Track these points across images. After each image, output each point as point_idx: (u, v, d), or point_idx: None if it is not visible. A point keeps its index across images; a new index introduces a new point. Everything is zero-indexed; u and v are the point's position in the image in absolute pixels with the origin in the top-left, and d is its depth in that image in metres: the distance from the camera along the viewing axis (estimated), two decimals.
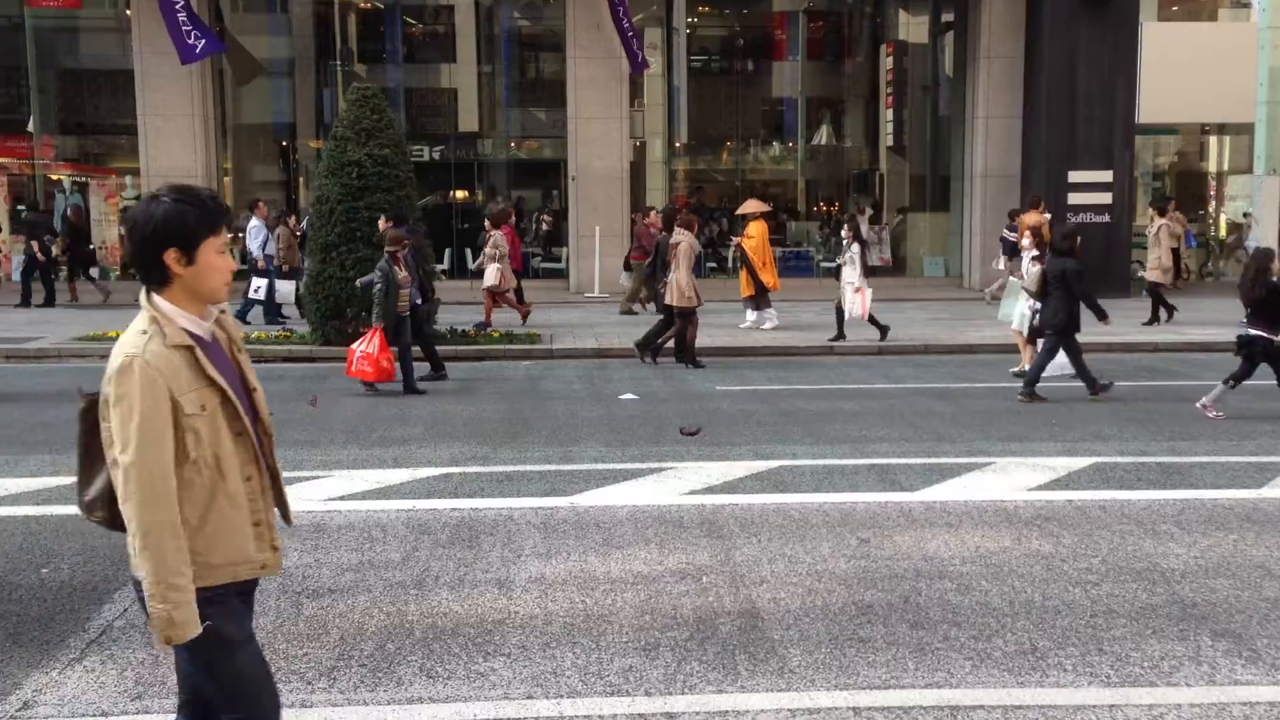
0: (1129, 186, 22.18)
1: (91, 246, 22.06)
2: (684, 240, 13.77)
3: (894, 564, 6.14)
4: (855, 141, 28.91)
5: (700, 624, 5.28)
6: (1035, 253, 13.14)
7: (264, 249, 18.30)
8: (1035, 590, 5.72)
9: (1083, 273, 11.27)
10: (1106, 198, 21.19)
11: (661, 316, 14.57)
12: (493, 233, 16.60)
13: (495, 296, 16.62)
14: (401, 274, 11.78)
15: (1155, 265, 17.17)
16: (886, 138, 27.10)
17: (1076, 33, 21.29)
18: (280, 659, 4.86)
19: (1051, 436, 9.56)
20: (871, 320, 15.08)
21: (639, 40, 22.10)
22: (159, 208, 2.97)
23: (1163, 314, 17.03)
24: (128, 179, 24.18)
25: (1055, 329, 11.23)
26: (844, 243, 15.36)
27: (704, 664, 4.83)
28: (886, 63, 26.59)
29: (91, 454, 3.15)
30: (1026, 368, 12.57)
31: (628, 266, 20.25)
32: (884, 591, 5.71)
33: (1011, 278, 14.52)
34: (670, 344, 13.96)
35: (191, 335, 3.00)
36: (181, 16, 20.22)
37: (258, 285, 17.82)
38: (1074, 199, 20.95)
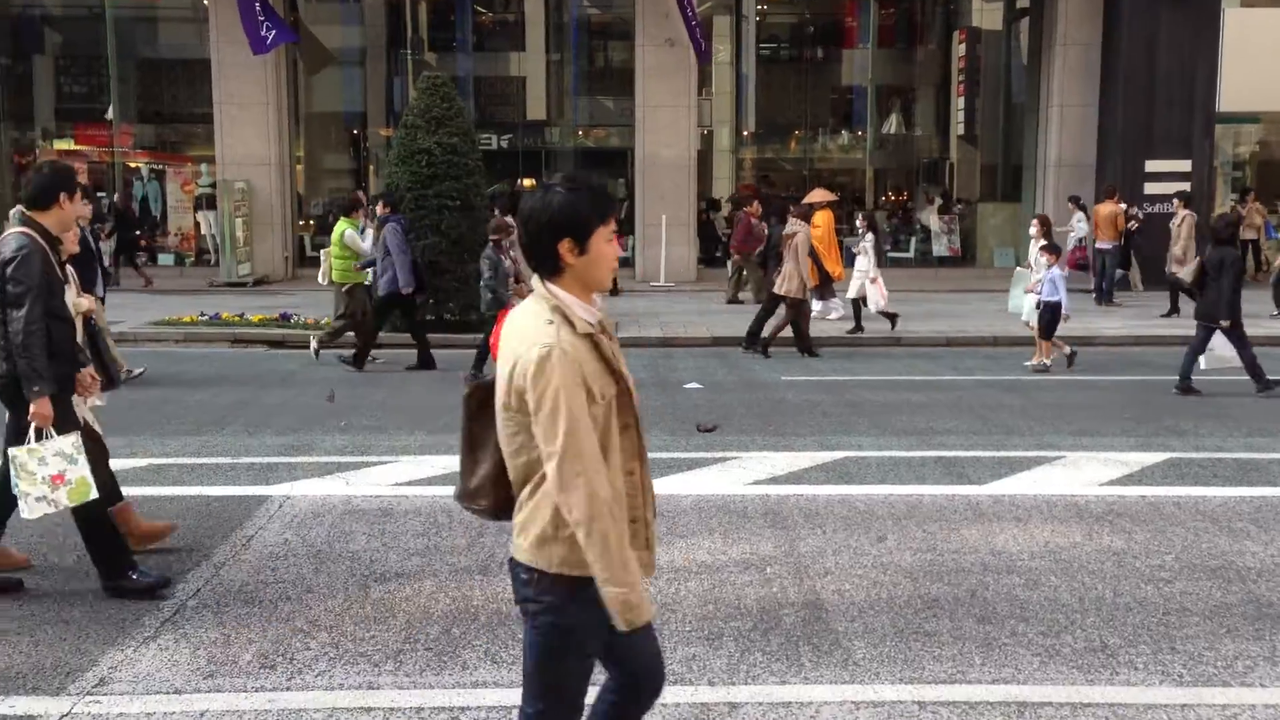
0: (1208, 176, 21.64)
1: (137, 233, 22.45)
2: (800, 231, 13.73)
3: (960, 558, 6.07)
4: (925, 130, 28.55)
5: (764, 614, 5.27)
6: (1044, 242, 12.90)
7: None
8: (1106, 587, 5.62)
9: (1241, 263, 11.14)
10: (1185, 188, 20.68)
11: (760, 307, 14.50)
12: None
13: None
14: (506, 262, 11.82)
15: (1177, 257, 16.81)
16: (957, 126, 26.72)
17: (1156, 19, 20.79)
18: (348, 641, 4.94)
19: (1124, 431, 9.37)
20: (880, 311, 15.17)
21: (701, 28, 21.99)
22: (554, 197, 2.95)
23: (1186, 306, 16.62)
24: (203, 167, 24.59)
25: (1214, 319, 10.90)
26: (859, 232, 15.41)
27: (767, 655, 4.82)
28: (959, 50, 26.19)
29: (475, 442, 3.14)
30: (1045, 361, 12.46)
31: (728, 255, 20.21)
32: (950, 585, 5.65)
33: (1018, 268, 14.28)
34: (781, 334, 13.90)
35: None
36: (256, 6, 20.52)
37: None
38: (1150, 189, 20.49)
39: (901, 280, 14.88)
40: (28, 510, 5.25)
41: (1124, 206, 19.04)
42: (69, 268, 5.79)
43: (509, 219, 12.33)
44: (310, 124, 26.15)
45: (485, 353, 11.71)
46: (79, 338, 5.72)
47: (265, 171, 22.08)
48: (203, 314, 16.02)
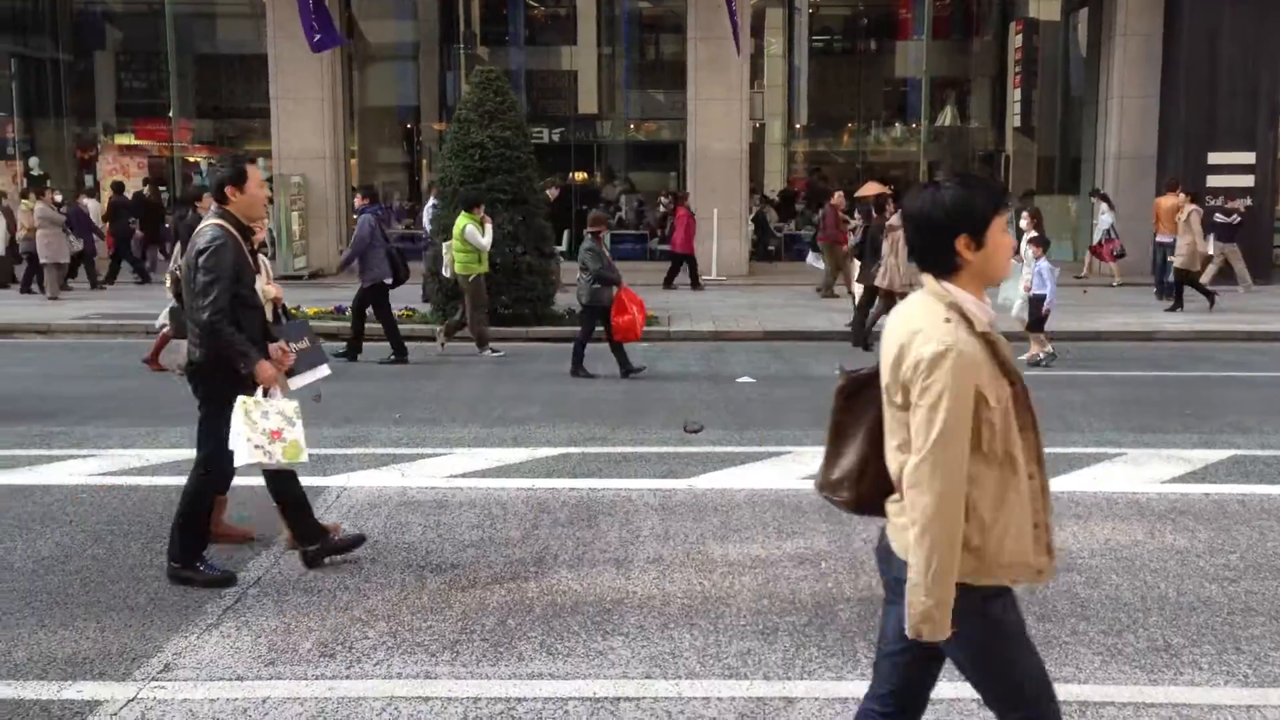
0: (1272, 169, 21.20)
1: (166, 226, 22.79)
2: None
3: None
4: (981, 122, 28.27)
5: (819, 609, 5.24)
6: (1034, 234, 12.75)
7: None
8: (1169, 585, 5.53)
9: None
10: (1248, 180, 20.29)
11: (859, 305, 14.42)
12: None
13: None
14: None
15: (1183, 251, 16.30)
16: (1014, 118, 26.42)
17: (1219, 8, 20.39)
18: (405, 631, 4.98)
19: (1186, 428, 9.22)
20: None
21: (741, 26, 21.77)
22: (945, 194, 2.89)
23: (1213, 298, 16.25)
24: (260, 161, 24.92)
25: None
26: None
27: (823, 650, 4.80)
28: (1015, 41, 25.88)
29: (842, 433, 3.11)
30: (1040, 355, 12.32)
31: (815, 248, 20.21)
32: None
33: (1012, 259, 14.05)
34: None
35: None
36: (310, 5, 20.72)
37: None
38: (1213, 181, 20.10)
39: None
40: (245, 455, 5.39)
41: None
42: (262, 257, 5.90)
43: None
44: (364, 118, 26.40)
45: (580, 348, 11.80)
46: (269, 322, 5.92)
47: (320, 165, 22.32)
48: None
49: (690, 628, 5.03)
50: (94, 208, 21.10)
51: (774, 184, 28.04)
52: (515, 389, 11.17)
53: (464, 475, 7.69)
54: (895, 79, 28.95)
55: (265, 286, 5.87)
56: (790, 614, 5.19)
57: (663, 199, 25.68)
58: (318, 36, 20.83)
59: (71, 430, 9.12)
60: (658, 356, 13.28)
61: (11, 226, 20.06)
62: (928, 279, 2.93)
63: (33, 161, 25.63)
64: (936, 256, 2.91)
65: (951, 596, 2.81)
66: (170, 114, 25.62)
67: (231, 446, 5.41)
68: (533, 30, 27.61)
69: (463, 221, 13.05)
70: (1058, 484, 7.39)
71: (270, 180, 23.28)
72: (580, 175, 26.34)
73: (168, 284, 11.63)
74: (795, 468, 7.87)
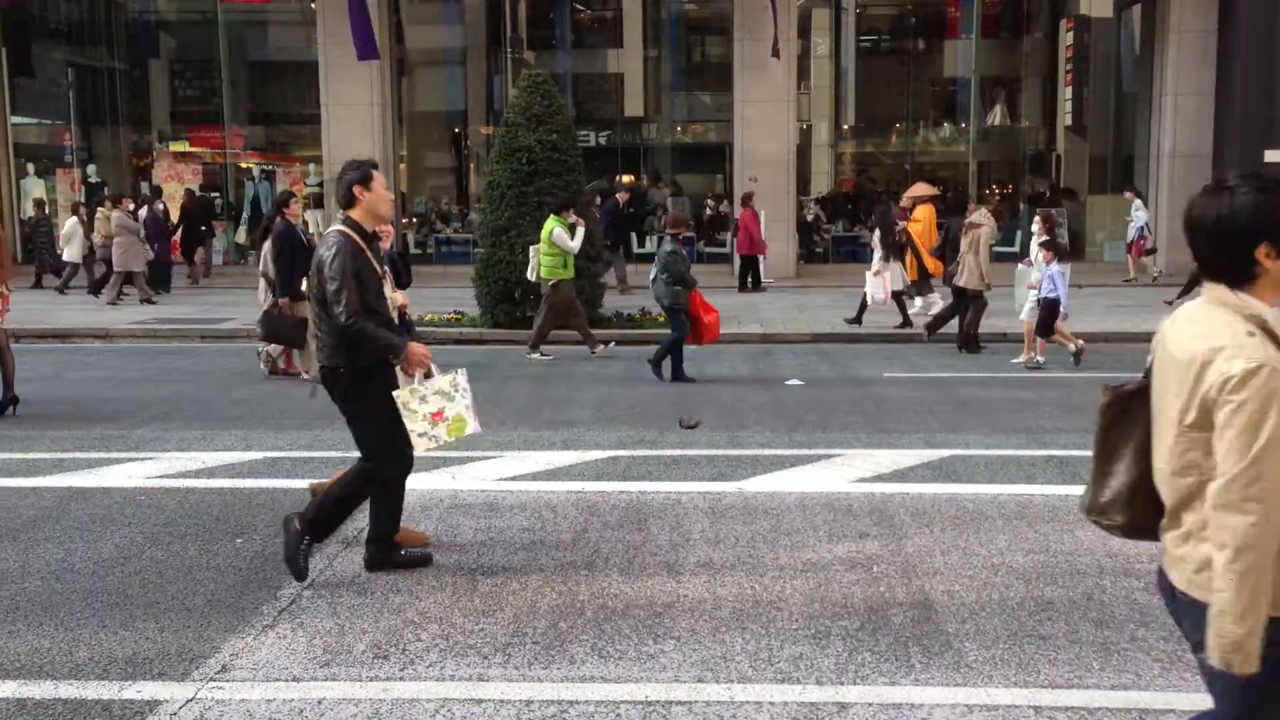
0: None
1: (203, 229, 23.10)
2: (986, 224, 13.68)
3: (1075, 559, 5.92)
4: (1031, 121, 27.95)
5: (872, 614, 5.21)
6: (1045, 239, 12.56)
7: None
8: None
9: None
10: None
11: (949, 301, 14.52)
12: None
13: None
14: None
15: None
16: (1065, 117, 26.09)
17: (1275, 4, 20.05)
18: (458, 634, 5.01)
19: None
20: (897, 302, 15.30)
21: (778, 27, 21.67)
22: (1243, 199, 2.72)
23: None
24: (311, 167, 25.22)
25: None
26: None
27: (876, 654, 4.76)
28: (1066, 39, 25.57)
29: (1110, 451, 3.01)
30: (1039, 358, 12.18)
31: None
32: (1064, 588, 5.51)
33: (1020, 265, 13.84)
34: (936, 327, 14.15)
35: None
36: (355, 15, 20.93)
37: None
38: None
39: (1006, 274, 14.55)
40: (420, 448, 5.60)
41: None
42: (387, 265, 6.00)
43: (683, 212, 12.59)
44: (413, 123, 26.60)
45: (671, 350, 11.79)
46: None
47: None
48: None
49: (742, 631, 5.02)
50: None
51: (821, 185, 27.91)
52: (564, 392, 11.21)
53: (514, 478, 7.72)
54: (944, 79, 28.70)
55: (392, 294, 5.95)
56: (842, 618, 5.16)
57: (709, 201, 25.66)
58: (354, 52, 21.08)
59: (130, 433, 9.27)
60: (706, 359, 13.27)
61: (87, 233, 20.50)
62: (1219, 289, 2.77)
63: (90, 169, 26.10)
64: (1232, 265, 2.74)
65: (1262, 625, 2.65)
66: (223, 121, 25.96)
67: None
68: (579, 33, 27.69)
69: (551, 224, 13.12)
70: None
71: (322, 185, 23.58)
72: (628, 178, 26.37)
73: (260, 288, 11.90)
74: (846, 470, 7.83)
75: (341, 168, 5.81)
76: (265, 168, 26.50)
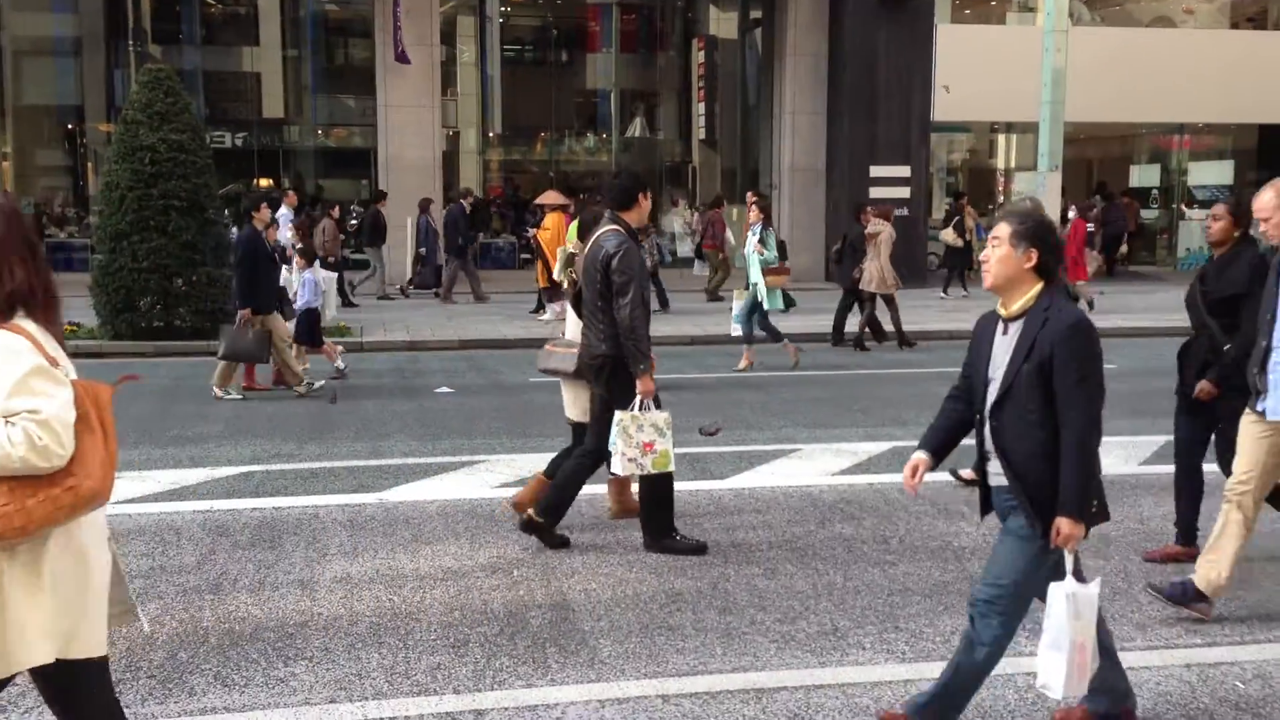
0: (925, 181, 23.16)
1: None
2: (884, 230, 14.56)
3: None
4: (669, 134, 29.25)
5: (511, 618, 5.22)
6: (301, 245, 13.04)
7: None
8: (837, 572, 5.89)
9: None
10: (905, 192, 22.07)
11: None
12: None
13: None
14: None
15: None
16: (699, 131, 27.51)
17: (876, 32, 22.06)
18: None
19: (854, 423, 9.85)
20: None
21: (400, 33, 21.56)
22: None
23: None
24: None
25: None
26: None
27: (514, 658, 4.77)
28: (699, 56, 26.98)
29: None
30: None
31: (700, 255, 21.75)
32: (693, 579, 5.76)
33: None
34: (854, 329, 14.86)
35: None
36: None
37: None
38: (875, 193, 21.72)
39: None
40: (618, 466, 5.97)
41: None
42: None
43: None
44: (18, 117, 24.23)
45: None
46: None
47: None
48: None
49: (379, 646, 4.89)
50: None
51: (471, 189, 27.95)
52: (194, 407, 10.54)
53: (133, 500, 7.17)
54: (586, 90, 29.54)
55: None
56: (481, 624, 5.15)
57: (355, 207, 25.02)
58: None
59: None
60: (351, 367, 12.90)
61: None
62: None
63: None
64: None
65: None
66: None
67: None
68: (210, 29, 26.26)
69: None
70: (737, 481, 7.74)
71: None
72: (265, 181, 25.28)
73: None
74: (488, 476, 7.85)
75: (625, 170, 6.45)
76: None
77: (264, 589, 5.61)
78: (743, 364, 12.71)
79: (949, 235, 20.52)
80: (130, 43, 24.76)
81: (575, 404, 6.64)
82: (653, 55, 29.10)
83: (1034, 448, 3.70)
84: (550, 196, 17.51)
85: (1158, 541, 6.28)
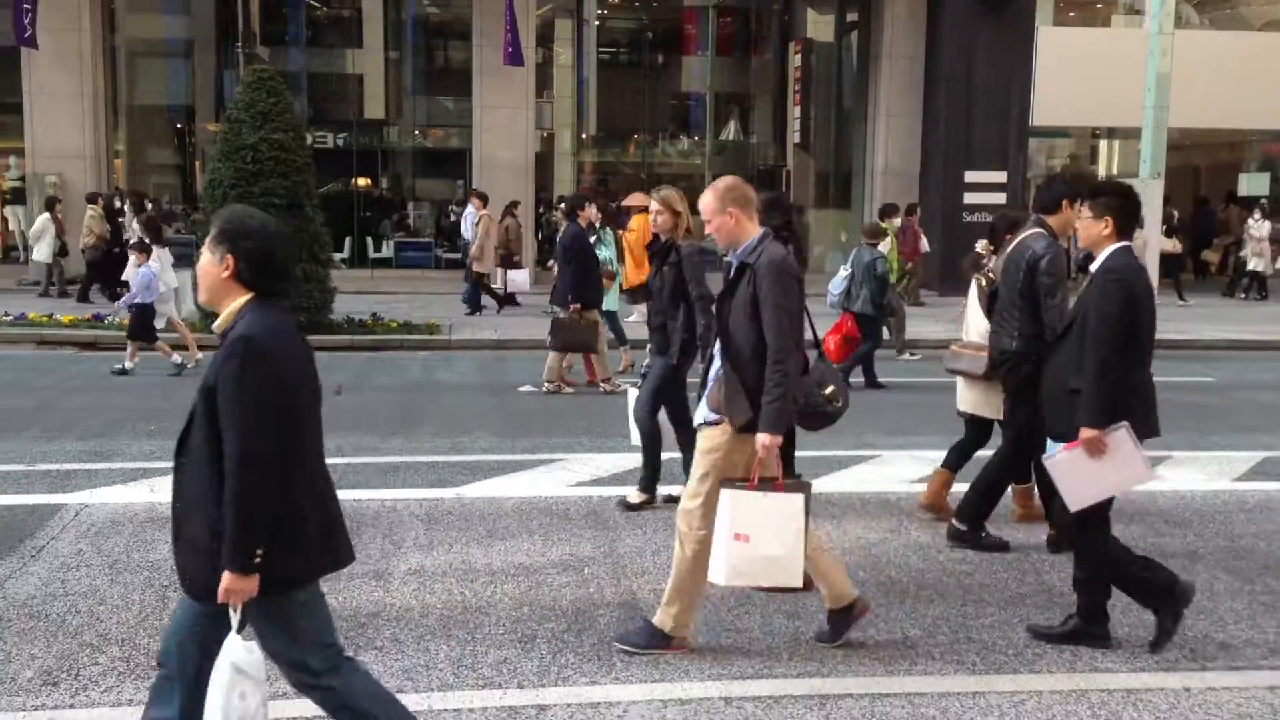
0: (1021, 187, 22.68)
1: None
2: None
3: None
4: (762, 137, 29.10)
5: (579, 615, 5.25)
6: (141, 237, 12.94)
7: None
8: (910, 580, 5.79)
9: None
10: (1000, 198, 21.62)
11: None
12: None
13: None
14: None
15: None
16: (794, 134, 27.31)
17: (975, 35, 21.66)
18: (140, 655, 4.70)
19: (935, 431, 9.69)
20: None
21: (511, 34, 21.74)
22: None
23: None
24: (11, 159, 23.39)
25: None
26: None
27: (579, 655, 4.80)
28: (795, 60, 26.79)
29: None
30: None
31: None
32: None
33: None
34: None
35: None
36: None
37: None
38: (969, 199, 21.34)
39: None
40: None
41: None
42: None
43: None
44: (133, 116, 25.07)
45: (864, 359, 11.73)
46: None
47: (79, 165, 21.04)
48: (6, 314, 15.23)
49: (447, 638, 4.96)
50: None
51: (565, 192, 28.14)
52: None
53: None
54: (681, 93, 29.53)
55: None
56: (549, 621, 5.18)
57: (454, 207, 25.39)
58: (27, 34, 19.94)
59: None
60: (438, 365, 13.11)
61: None
62: None
63: None
64: None
65: None
66: None
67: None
68: (316, 31, 26.86)
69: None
70: (816, 485, 7.63)
71: (23, 179, 21.85)
72: (363, 180, 25.78)
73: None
74: (565, 475, 7.90)
75: (1059, 177, 6.25)
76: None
77: (339, 579, 5.68)
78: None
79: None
80: (239, 44, 25.44)
81: (987, 403, 6.63)
82: (748, 58, 28.97)
83: None
84: (636, 198, 17.52)
85: (1247, 559, 6.07)
